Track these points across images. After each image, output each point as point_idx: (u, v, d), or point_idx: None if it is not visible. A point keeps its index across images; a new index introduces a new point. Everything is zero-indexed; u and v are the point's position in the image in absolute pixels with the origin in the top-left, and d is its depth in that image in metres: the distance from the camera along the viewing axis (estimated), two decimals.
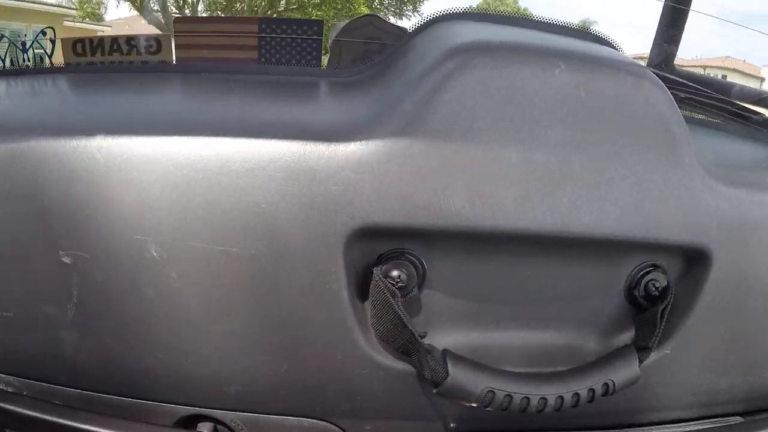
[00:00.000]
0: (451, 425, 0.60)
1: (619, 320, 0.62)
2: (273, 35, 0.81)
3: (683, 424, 0.68)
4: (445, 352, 0.53)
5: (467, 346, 0.56)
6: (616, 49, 0.71)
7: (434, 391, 0.52)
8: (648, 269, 0.59)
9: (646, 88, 0.54)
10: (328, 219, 0.51)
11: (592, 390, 0.53)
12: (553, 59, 0.53)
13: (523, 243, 0.57)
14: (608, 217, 0.54)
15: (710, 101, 0.99)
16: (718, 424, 0.69)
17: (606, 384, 0.53)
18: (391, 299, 0.51)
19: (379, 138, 0.51)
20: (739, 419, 0.70)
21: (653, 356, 0.59)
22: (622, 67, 0.55)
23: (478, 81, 0.51)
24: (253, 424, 0.59)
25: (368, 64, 0.80)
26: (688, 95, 0.99)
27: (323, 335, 0.55)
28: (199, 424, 0.59)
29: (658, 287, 0.59)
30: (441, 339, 0.56)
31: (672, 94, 0.57)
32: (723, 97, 1.00)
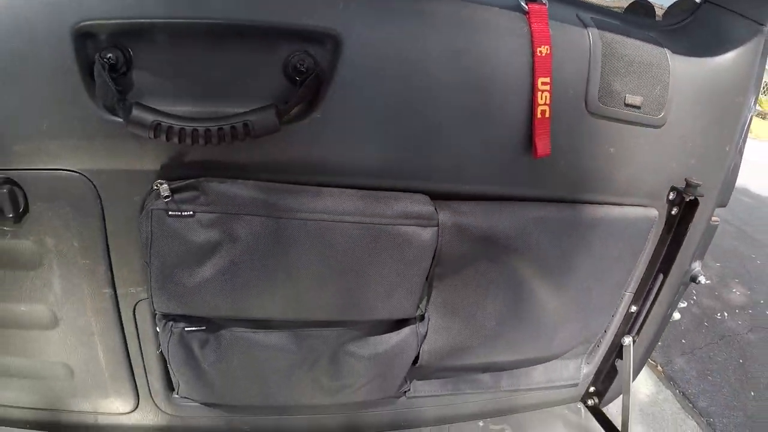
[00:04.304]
0: (159, 168, 0.96)
1: (280, 92, 0.94)
2: None
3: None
4: (135, 103, 0.85)
5: (171, 110, 0.87)
6: None
7: (126, 125, 0.85)
8: (299, 54, 0.92)
9: None
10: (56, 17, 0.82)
11: (235, 127, 0.86)
12: None
13: (209, 33, 0.90)
14: (266, 7, 0.88)
15: None
16: None
17: (246, 124, 0.84)
18: (102, 70, 0.81)
19: None
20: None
21: (310, 118, 0.95)
22: None
23: None
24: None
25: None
26: None
27: (65, 108, 0.87)
28: None
29: (306, 66, 0.89)
30: (152, 105, 0.87)
31: None
32: None
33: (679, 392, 3.53)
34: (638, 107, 1.13)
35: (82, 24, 0.83)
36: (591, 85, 1.08)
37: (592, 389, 1.69)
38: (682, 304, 1.63)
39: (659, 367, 3.74)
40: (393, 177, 1.06)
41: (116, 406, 1.27)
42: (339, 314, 1.15)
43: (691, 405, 3.44)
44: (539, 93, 1.02)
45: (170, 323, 1.08)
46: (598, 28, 1.08)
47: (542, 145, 1.05)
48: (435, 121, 1.03)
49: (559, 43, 1.04)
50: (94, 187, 0.96)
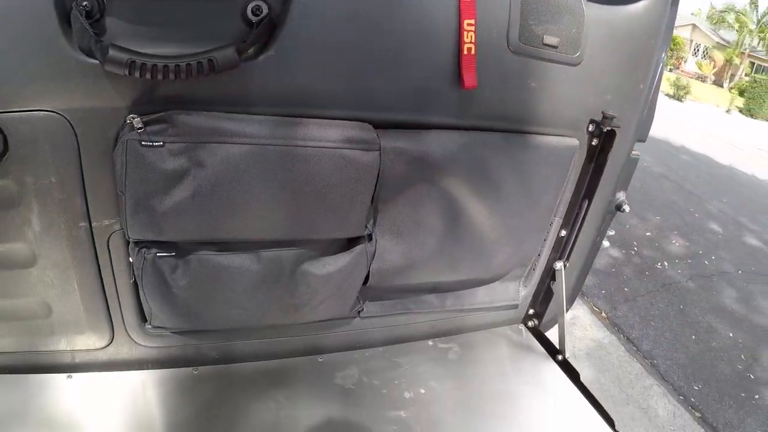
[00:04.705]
0: (131, 104, 1.08)
1: (239, 34, 1.07)
2: None
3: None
4: (111, 44, 0.96)
5: (143, 50, 0.99)
6: None
7: (103, 66, 0.97)
8: (255, 0, 1.06)
9: None
10: None
11: (201, 63, 0.99)
12: None
13: None
14: None
15: None
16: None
17: (210, 60, 1.00)
18: (80, 16, 0.96)
19: None
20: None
21: (266, 55, 1.10)
22: None
23: None
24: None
25: None
26: None
27: (44, 53, 0.99)
28: None
29: (261, 11, 1.07)
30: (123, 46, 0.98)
31: None
32: None
33: (624, 336, 3.88)
34: (555, 47, 1.32)
35: None
36: (511, 26, 1.26)
37: (531, 311, 1.92)
38: (611, 233, 1.83)
39: (603, 314, 4.03)
40: (339, 107, 1.23)
41: (92, 342, 1.39)
42: (296, 233, 1.31)
43: (635, 348, 3.78)
44: (465, 33, 1.20)
45: (143, 250, 1.21)
46: None
47: (469, 77, 1.24)
48: (376, 59, 1.20)
49: None
50: (71, 125, 1.07)
